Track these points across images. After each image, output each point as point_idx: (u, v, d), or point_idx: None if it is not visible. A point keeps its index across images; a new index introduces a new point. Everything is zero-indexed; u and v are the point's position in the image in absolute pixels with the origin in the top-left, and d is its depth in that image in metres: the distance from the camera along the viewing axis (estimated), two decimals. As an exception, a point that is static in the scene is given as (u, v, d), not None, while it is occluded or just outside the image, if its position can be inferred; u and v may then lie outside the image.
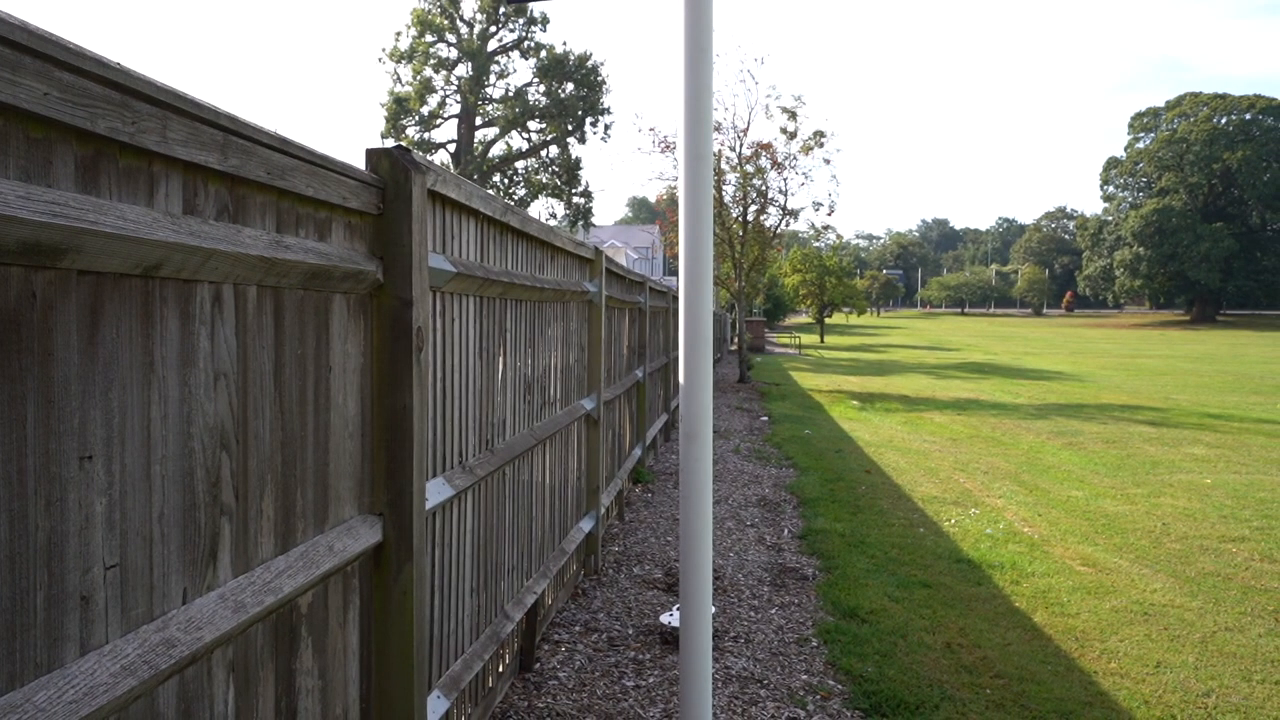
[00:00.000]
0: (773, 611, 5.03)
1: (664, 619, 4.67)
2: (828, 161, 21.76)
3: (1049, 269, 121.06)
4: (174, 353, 1.45)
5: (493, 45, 36.84)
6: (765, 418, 14.32)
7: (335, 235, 2.05)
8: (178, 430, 1.47)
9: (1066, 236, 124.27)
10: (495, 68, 37.07)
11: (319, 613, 2.00)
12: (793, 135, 20.59)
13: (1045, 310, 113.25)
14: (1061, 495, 8.47)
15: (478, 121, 37.60)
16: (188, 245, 1.40)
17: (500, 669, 3.73)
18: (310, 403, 1.95)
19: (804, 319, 67.00)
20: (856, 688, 3.98)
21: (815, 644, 4.54)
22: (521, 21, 36.39)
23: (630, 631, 4.63)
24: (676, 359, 12.79)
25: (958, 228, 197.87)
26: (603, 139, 38.83)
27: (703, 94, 2.48)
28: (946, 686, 3.99)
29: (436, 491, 2.61)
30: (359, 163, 2.19)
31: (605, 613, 4.94)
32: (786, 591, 5.40)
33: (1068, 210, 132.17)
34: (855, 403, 16.72)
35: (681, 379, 2.54)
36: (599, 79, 37.32)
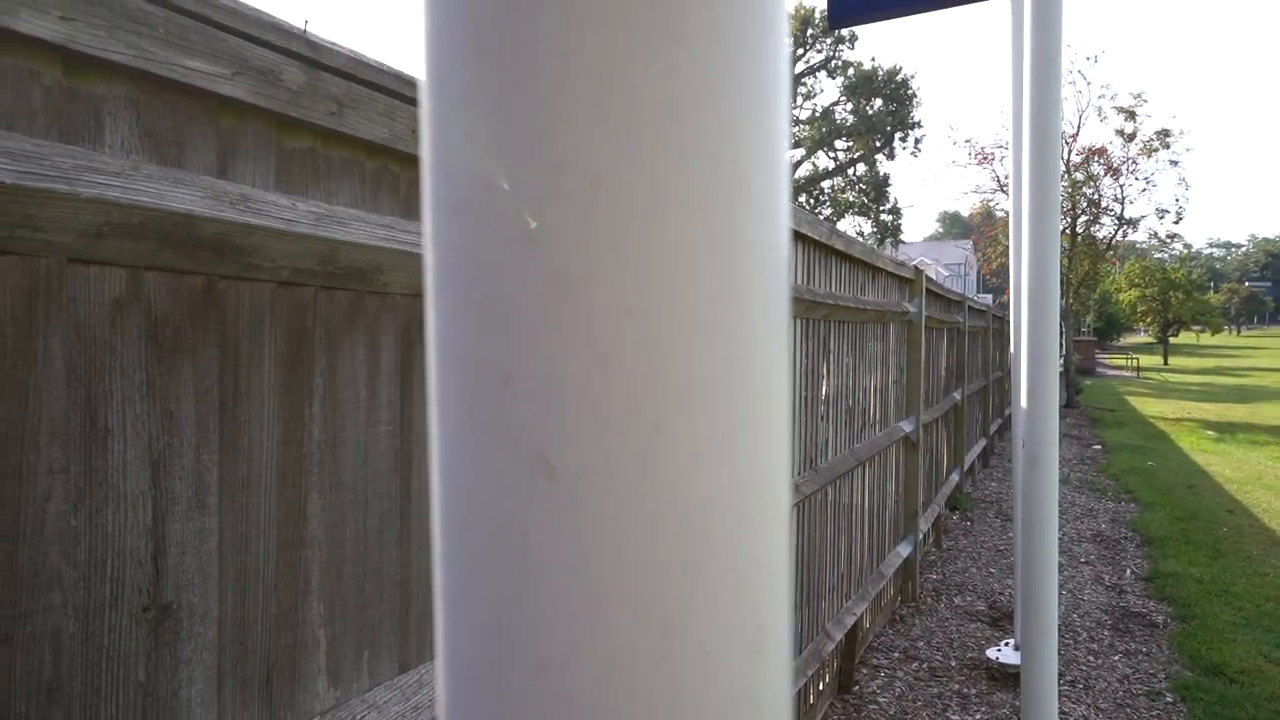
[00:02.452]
0: (1116, 659, 4.60)
1: (990, 653, 4.46)
2: (1174, 163, 19.35)
3: None
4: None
5: (800, 67, 37.16)
6: (1098, 446, 12.99)
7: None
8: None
9: None
10: (803, 89, 37.33)
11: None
12: (1131, 137, 18.60)
13: None
14: None
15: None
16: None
17: (821, 687, 3.80)
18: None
19: (1142, 338, 59.66)
20: (1225, 754, 3.54)
21: (1170, 700, 4.10)
22: (829, 41, 36.38)
23: (953, 663, 4.48)
24: (998, 380, 12.04)
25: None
26: (913, 154, 37.59)
27: (1050, 108, 2.42)
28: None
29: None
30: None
31: (925, 641, 4.82)
32: (1131, 638, 4.90)
33: None
34: (1210, 433, 14.62)
35: (1024, 401, 2.47)
36: (909, 93, 36.24)
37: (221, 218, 1.07)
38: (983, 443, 10.29)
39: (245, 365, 1.17)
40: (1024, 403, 2.49)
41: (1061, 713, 3.93)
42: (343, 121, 1.30)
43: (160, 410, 1.05)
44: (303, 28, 1.24)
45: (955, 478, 7.88)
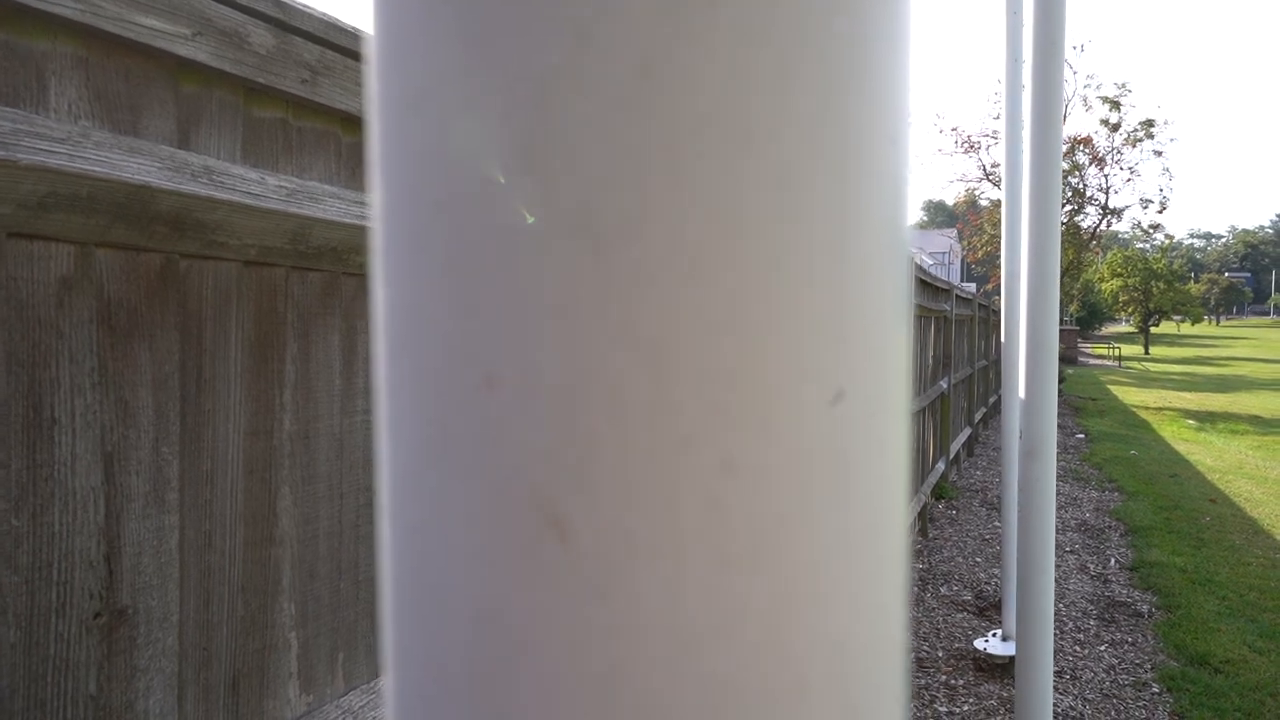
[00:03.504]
0: (1102, 649, 4.59)
1: (978, 644, 4.44)
2: (1158, 153, 19.38)
3: None
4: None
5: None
6: (1081, 435, 13.05)
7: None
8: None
9: None
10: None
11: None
12: (1115, 127, 18.64)
13: None
14: None
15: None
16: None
17: (809, 675, 3.77)
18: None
19: (1124, 328, 60.29)
20: (1213, 746, 3.53)
21: (1156, 690, 4.08)
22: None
23: (940, 654, 4.45)
24: (983, 369, 12.05)
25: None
26: (896, 141, 37.65)
27: (1053, 91, 2.36)
28: (1334, 759, 3.42)
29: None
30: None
31: (911, 632, 4.79)
32: (1117, 628, 4.90)
33: None
34: (1191, 422, 14.72)
35: (1021, 392, 2.42)
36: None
37: (181, 190, 0.98)
38: (968, 431, 10.30)
39: (209, 351, 1.09)
40: (1021, 393, 2.44)
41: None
42: (316, 90, 1.21)
43: (114, 399, 0.96)
44: None
45: (941, 467, 7.87)
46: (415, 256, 0.13)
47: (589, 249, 0.12)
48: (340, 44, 1.23)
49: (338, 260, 1.27)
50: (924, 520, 6.87)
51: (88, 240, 0.92)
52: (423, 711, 0.13)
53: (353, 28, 1.26)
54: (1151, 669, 4.31)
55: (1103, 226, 19.67)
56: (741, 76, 0.12)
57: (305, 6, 1.18)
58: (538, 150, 0.12)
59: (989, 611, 5.06)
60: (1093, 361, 35.14)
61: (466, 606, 0.13)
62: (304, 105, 1.22)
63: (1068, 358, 30.89)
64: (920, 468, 6.79)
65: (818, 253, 0.13)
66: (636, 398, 0.12)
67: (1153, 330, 45.51)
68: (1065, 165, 18.77)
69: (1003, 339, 4.16)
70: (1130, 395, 20.16)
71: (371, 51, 0.15)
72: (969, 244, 23.44)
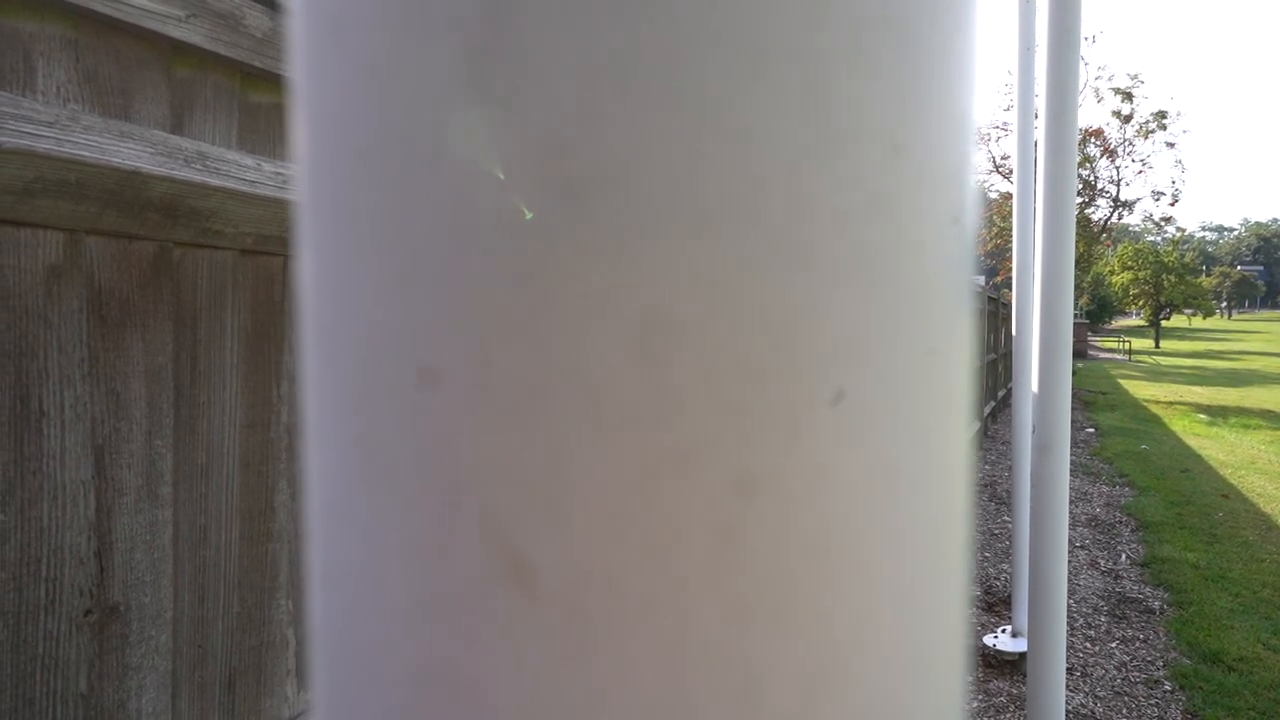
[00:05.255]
0: (1113, 645, 4.55)
1: (988, 640, 4.40)
2: (1171, 145, 19.21)
3: None
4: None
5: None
6: (1091, 429, 12.98)
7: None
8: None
9: None
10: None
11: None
12: (1128, 118, 18.50)
13: None
14: None
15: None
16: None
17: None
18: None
19: (1134, 321, 60.03)
20: (1226, 744, 3.49)
21: (1169, 688, 4.05)
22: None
23: (949, 648, 4.43)
24: (991, 363, 11.97)
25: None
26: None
27: (1068, 80, 2.31)
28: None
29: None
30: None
31: (920, 626, 4.76)
32: (1129, 625, 4.86)
33: None
34: (1203, 416, 14.63)
35: (1035, 387, 2.39)
36: (901, 71, 36.09)
37: (174, 176, 0.95)
38: (976, 425, 10.26)
39: (204, 342, 1.06)
40: (1035, 388, 2.41)
41: (1059, 700, 3.89)
42: (314, 74, 1.18)
43: (105, 391, 0.94)
44: None
45: (950, 461, 7.84)
46: (336, 220, 0.10)
47: (559, 198, 0.09)
48: (339, 27, 1.20)
49: (337, 249, 1.24)
50: (933, 515, 6.86)
51: (77, 227, 0.90)
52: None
53: (352, 11, 1.23)
54: (1164, 666, 4.27)
55: (1114, 219, 19.53)
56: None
57: (303, -12, 1.15)
58: (493, 71, 0.09)
59: (998, 607, 5.02)
60: (1103, 355, 34.97)
61: (406, 665, 0.10)
62: (302, 90, 1.19)
63: (1077, 351, 30.74)
64: (929, 462, 6.77)
65: (869, 214, 0.10)
66: (622, 397, 0.09)
67: (1164, 324, 45.30)
68: (1077, 157, 18.63)
69: (1014, 332, 4.12)
70: (1141, 389, 20.05)
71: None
72: (978, 236, 23.33)
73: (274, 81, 1.14)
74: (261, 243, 1.12)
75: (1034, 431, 2.40)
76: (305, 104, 0.11)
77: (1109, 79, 23.69)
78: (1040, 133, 2.39)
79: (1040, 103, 2.38)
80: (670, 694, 0.09)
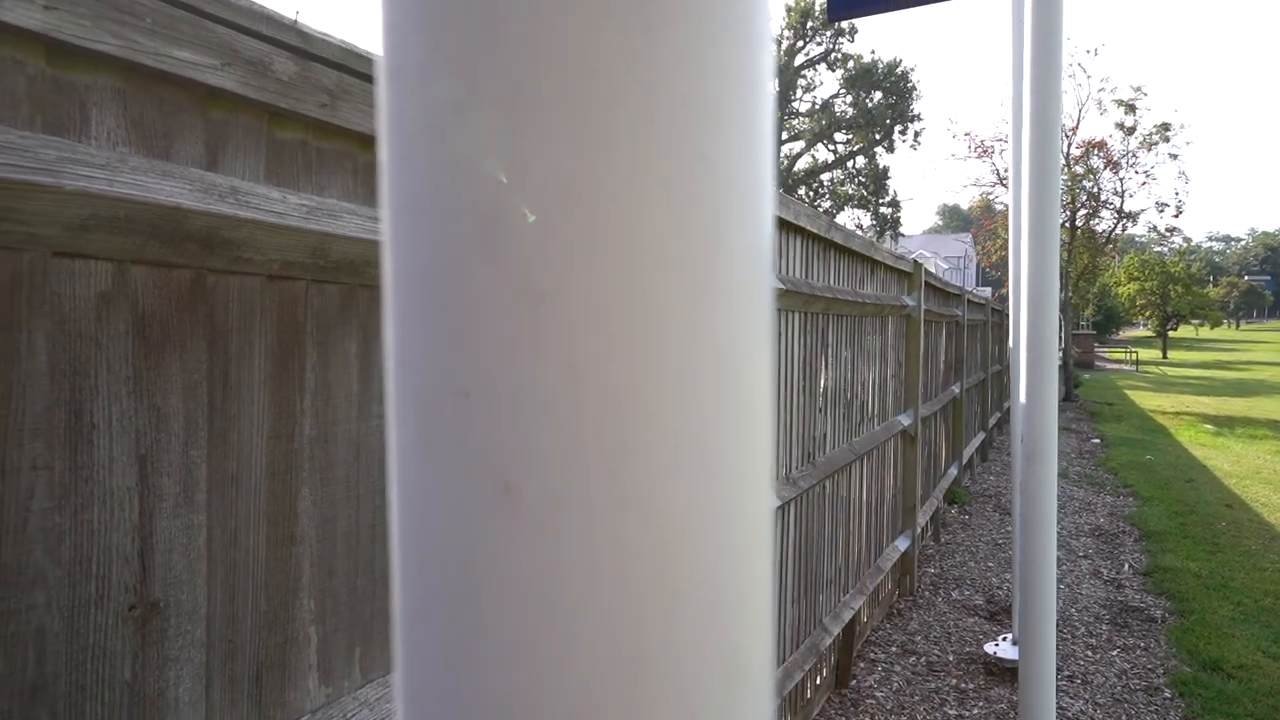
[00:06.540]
0: (1113, 653, 4.60)
1: (989, 648, 4.46)
2: (1174, 156, 19.27)
3: None
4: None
5: (800, 60, 36.95)
6: (1097, 440, 12.99)
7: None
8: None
9: None
10: (802, 82, 37.16)
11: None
12: (1131, 130, 18.57)
13: None
14: None
15: (784, 136, 37.88)
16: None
17: (818, 681, 3.80)
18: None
19: (1141, 332, 59.75)
20: (1223, 749, 3.54)
21: (1168, 695, 4.10)
22: (829, 34, 36.15)
23: (950, 658, 4.48)
24: (996, 374, 12.02)
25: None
26: (912, 146, 37.43)
27: (1051, 100, 2.40)
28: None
29: (769, 499, 2.75)
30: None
31: (923, 635, 4.81)
32: (1130, 633, 4.91)
33: None
34: (1209, 427, 14.62)
35: (1023, 396, 2.46)
36: (908, 85, 36.10)
37: (210, 210, 1.05)
38: (981, 436, 10.29)
39: (235, 359, 1.15)
40: (1023, 397, 2.48)
41: (1060, 708, 3.94)
42: (335, 113, 1.28)
43: (147, 406, 1.03)
44: (294, 18, 1.22)
45: (953, 472, 7.87)
46: (419, 316, 0.19)
47: (527, 307, 0.18)
48: (357, 69, 1.30)
49: (354, 273, 1.34)
50: (936, 525, 6.89)
51: (124, 258, 0.99)
52: (422, 613, 0.19)
53: (368, 53, 1.33)
54: (1164, 674, 4.33)
55: (1118, 230, 19.58)
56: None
57: (324, 35, 1.25)
58: (499, 243, 0.19)
59: (1000, 616, 5.07)
60: (1109, 366, 34.90)
61: (447, 545, 0.19)
62: (323, 127, 1.28)
63: (1084, 362, 30.67)
64: (932, 472, 6.80)
65: (689, 308, 0.19)
66: (562, 403, 0.18)
67: (1170, 334, 45.12)
68: (1079, 169, 18.70)
69: (1010, 343, 4.20)
70: (1147, 400, 20.03)
71: (381, 76, 0.21)
72: (983, 248, 23.38)
73: (298, 120, 1.24)
74: (286, 268, 1.22)
75: (1021, 440, 2.47)
76: (393, 180, 0.20)
77: (1112, 91, 23.86)
78: (1025, 152, 2.48)
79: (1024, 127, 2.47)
80: (584, 550, 0.18)
